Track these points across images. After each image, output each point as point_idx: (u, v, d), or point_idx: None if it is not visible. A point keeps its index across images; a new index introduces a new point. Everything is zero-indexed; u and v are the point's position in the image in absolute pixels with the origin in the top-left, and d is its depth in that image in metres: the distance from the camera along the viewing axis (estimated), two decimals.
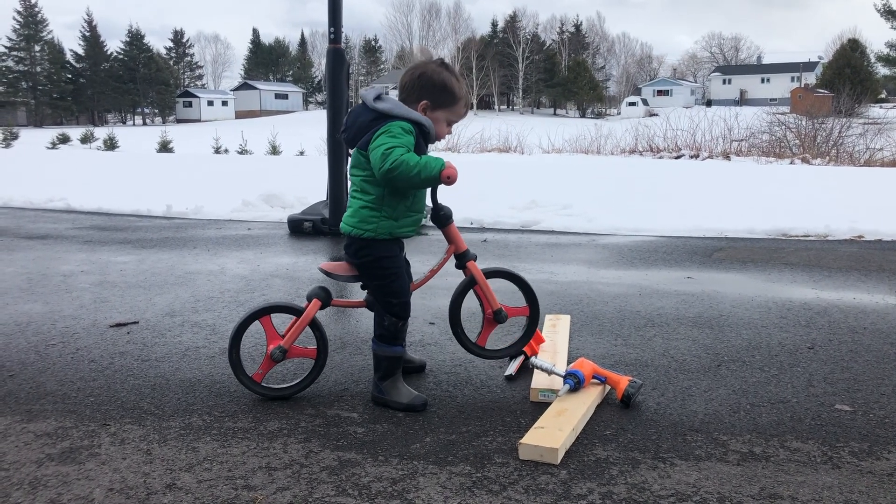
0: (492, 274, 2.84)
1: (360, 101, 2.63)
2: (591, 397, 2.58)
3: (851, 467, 2.16)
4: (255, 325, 2.73)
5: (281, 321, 2.86)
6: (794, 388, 2.80)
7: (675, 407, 2.62)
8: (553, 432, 2.28)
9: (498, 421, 2.51)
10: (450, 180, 2.50)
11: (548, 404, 2.58)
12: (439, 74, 2.61)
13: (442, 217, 2.73)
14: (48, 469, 2.17)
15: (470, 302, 2.88)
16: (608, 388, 2.71)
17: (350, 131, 2.63)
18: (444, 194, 2.73)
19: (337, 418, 2.53)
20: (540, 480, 2.09)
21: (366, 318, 3.52)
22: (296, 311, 2.71)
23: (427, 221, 4.04)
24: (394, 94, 2.70)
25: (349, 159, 7.69)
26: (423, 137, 2.60)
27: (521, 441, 2.24)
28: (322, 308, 2.69)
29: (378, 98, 2.59)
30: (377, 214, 2.59)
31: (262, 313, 2.70)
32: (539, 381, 2.76)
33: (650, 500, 1.97)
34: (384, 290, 2.65)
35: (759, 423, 2.48)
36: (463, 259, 2.76)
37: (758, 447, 2.29)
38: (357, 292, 2.82)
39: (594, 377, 2.67)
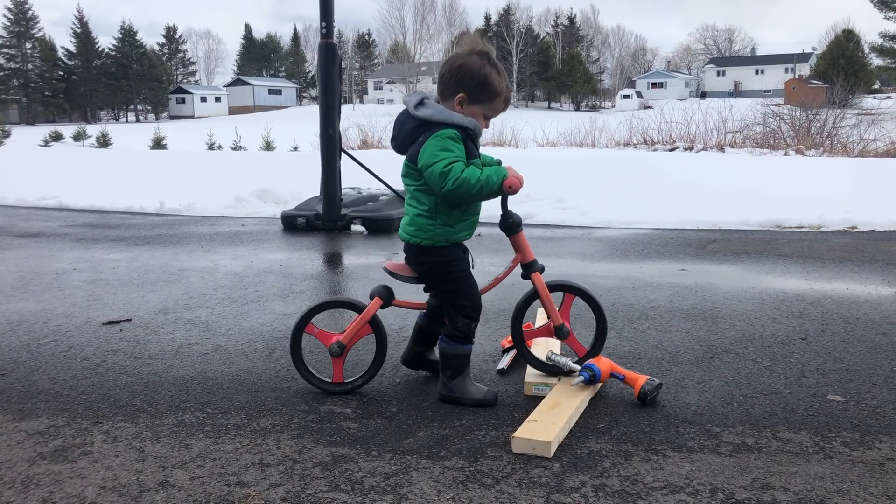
0: (556, 287, 2.78)
1: (404, 108, 2.57)
2: (584, 391, 2.59)
3: (843, 457, 2.17)
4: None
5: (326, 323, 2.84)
6: (786, 379, 2.81)
7: (667, 399, 2.62)
8: (546, 426, 2.29)
9: (491, 415, 2.51)
10: (511, 190, 2.46)
11: (541, 398, 2.58)
12: (480, 68, 2.49)
13: (511, 225, 2.68)
14: (40, 468, 2.16)
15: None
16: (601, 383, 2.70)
17: (398, 139, 2.58)
18: None
19: (330, 414, 2.53)
20: (533, 474, 2.09)
21: None
22: (356, 308, 2.71)
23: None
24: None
25: (342, 155, 7.63)
26: (472, 139, 2.54)
27: (514, 434, 2.24)
28: (383, 307, 2.68)
29: (420, 104, 2.50)
30: (433, 223, 2.54)
31: (325, 308, 2.74)
32: (533, 374, 2.76)
33: (643, 492, 1.98)
34: (454, 294, 2.62)
35: (752, 414, 2.49)
36: (529, 269, 2.71)
37: (750, 438, 2.30)
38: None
39: (612, 375, 2.65)
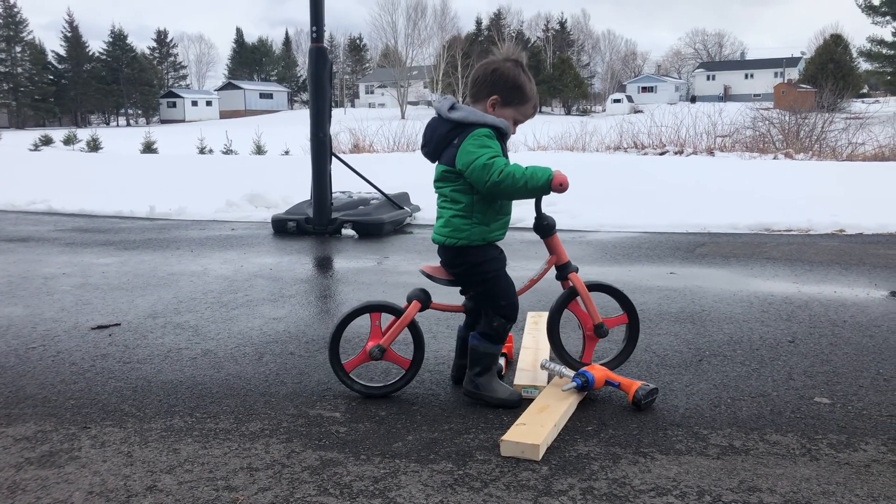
0: (592, 287, 2.80)
1: (435, 114, 2.60)
2: (572, 394, 2.59)
3: (829, 459, 2.19)
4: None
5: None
6: (774, 381, 2.83)
7: (656, 402, 2.63)
8: (535, 429, 2.29)
9: (480, 418, 2.52)
10: (562, 188, 2.46)
11: (530, 401, 2.59)
12: (513, 72, 2.56)
13: (545, 227, 2.69)
14: (27, 473, 2.15)
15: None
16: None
17: (430, 145, 2.61)
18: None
19: (319, 418, 2.53)
20: (521, 477, 2.09)
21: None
22: (396, 312, 2.70)
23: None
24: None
25: (333, 159, 7.63)
26: (501, 140, 2.57)
27: (503, 438, 2.24)
28: (421, 310, 2.68)
29: (452, 108, 2.55)
30: (469, 222, 2.56)
31: (364, 311, 2.70)
32: (522, 377, 2.77)
33: (630, 495, 1.99)
34: (490, 294, 2.62)
35: (740, 416, 2.50)
36: (565, 271, 2.73)
37: (737, 441, 2.31)
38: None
39: (608, 383, 2.65)
